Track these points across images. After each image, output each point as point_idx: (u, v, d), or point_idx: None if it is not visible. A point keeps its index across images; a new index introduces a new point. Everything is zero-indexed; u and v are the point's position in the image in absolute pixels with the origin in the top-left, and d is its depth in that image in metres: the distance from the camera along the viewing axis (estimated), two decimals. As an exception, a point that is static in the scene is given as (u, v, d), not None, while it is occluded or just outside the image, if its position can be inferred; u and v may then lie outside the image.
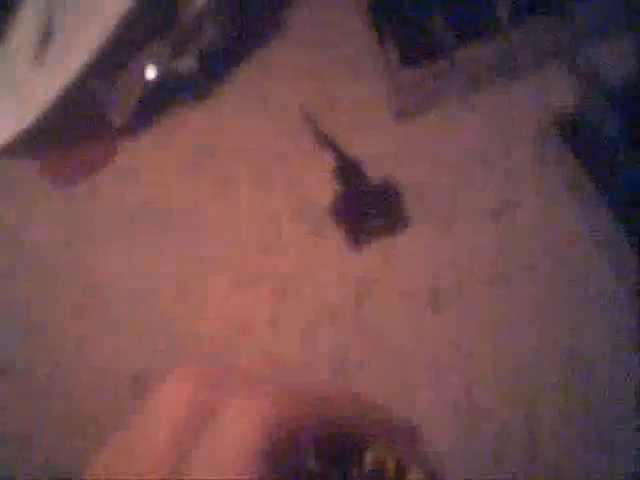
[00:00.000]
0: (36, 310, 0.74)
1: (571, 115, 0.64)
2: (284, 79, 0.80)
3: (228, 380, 0.42)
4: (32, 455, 0.65)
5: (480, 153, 0.67)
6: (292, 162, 0.74)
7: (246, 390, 0.40)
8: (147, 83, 0.80)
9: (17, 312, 0.75)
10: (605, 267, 0.57)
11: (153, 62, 0.79)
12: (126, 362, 0.69)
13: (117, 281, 0.74)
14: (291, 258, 0.67)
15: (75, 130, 0.84)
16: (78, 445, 0.63)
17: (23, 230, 0.80)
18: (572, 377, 0.52)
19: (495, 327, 0.56)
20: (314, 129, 0.73)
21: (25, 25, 0.84)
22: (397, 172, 0.68)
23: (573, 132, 0.64)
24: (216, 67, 0.81)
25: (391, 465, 0.43)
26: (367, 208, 0.65)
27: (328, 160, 0.71)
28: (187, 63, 0.79)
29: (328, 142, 0.71)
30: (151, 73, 0.79)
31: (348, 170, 0.68)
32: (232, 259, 0.70)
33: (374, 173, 0.68)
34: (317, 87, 0.77)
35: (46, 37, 0.81)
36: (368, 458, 0.43)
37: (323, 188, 0.70)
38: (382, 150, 0.70)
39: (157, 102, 0.82)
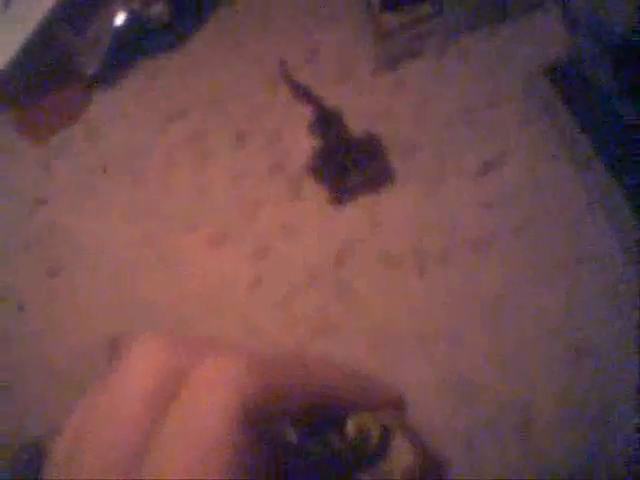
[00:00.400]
0: (6, 272, 0.72)
1: (562, 64, 0.61)
2: (260, 28, 0.76)
3: (201, 347, 0.40)
4: (2, 420, 0.63)
5: (466, 105, 0.64)
6: (269, 116, 0.70)
7: (221, 357, 0.38)
8: (117, 30, 0.76)
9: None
10: (599, 225, 0.54)
11: (123, 8, 0.76)
12: (100, 324, 0.66)
13: (90, 241, 0.71)
14: (268, 217, 0.64)
15: (46, 82, 0.80)
16: (50, 409, 0.61)
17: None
18: (568, 343, 0.50)
19: (483, 291, 0.53)
20: (289, 79, 0.70)
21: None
22: (379, 125, 0.65)
23: (564, 82, 0.61)
24: (187, 13, 0.77)
25: (375, 431, 0.41)
26: (348, 162, 0.62)
27: (307, 114, 0.67)
28: (157, 9, 0.75)
29: (305, 93, 0.67)
30: (120, 19, 0.75)
31: (327, 122, 0.64)
32: (207, 218, 0.67)
33: (355, 126, 0.65)
34: (295, 36, 0.73)
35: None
36: (350, 425, 0.41)
37: (302, 143, 0.67)
38: (363, 102, 0.67)
39: (129, 53, 0.78)
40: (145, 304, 0.65)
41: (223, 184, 0.68)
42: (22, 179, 0.78)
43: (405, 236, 0.58)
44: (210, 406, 0.35)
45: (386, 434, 0.43)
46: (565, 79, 0.61)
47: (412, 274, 0.55)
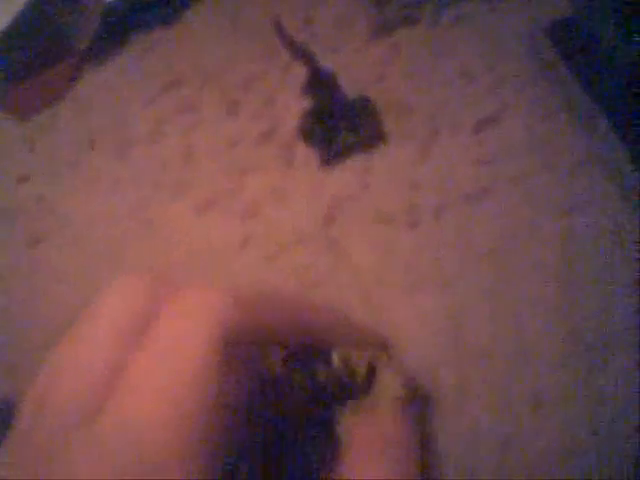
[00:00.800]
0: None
1: (564, 22, 0.59)
2: (257, 0, 0.75)
3: (179, 287, 0.37)
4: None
5: (464, 69, 0.62)
6: (263, 84, 0.68)
7: (205, 289, 0.36)
8: (110, 3, 0.75)
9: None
10: (600, 177, 0.52)
11: (115, -21, 0.74)
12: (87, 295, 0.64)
13: (75, 214, 0.69)
14: (258, 183, 0.62)
15: (36, 57, 0.79)
16: (24, 371, 0.58)
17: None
18: (566, 296, 0.48)
19: (476, 243, 0.51)
20: (284, 37, 0.68)
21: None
22: (374, 89, 0.63)
23: (566, 40, 0.59)
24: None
25: (362, 368, 0.39)
26: (340, 123, 0.60)
27: (303, 78, 0.65)
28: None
29: (300, 51, 0.65)
30: (112, -11, 0.74)
31: (320, 82, 0.62)
32: (195, 185, 0.65)
33: (349, 90, 0.63)
34: (292, 6, 0.72)
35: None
36: (335, 356, 0.39)
37: (296, 108, 0.65)
38: (358, 67, 0.65)
39: (122, 26, 0.77)
40: (133, 271, 0.63)
41: (212, 153, 0.66)
42: (5, 157, 0.76)
43: (397, 194, 0.56)
44: (189, 332, 0.33)
45: (372, 371, 0.41)
46: (567, 38, 0.59)
47: (404, 229, 0.53)
